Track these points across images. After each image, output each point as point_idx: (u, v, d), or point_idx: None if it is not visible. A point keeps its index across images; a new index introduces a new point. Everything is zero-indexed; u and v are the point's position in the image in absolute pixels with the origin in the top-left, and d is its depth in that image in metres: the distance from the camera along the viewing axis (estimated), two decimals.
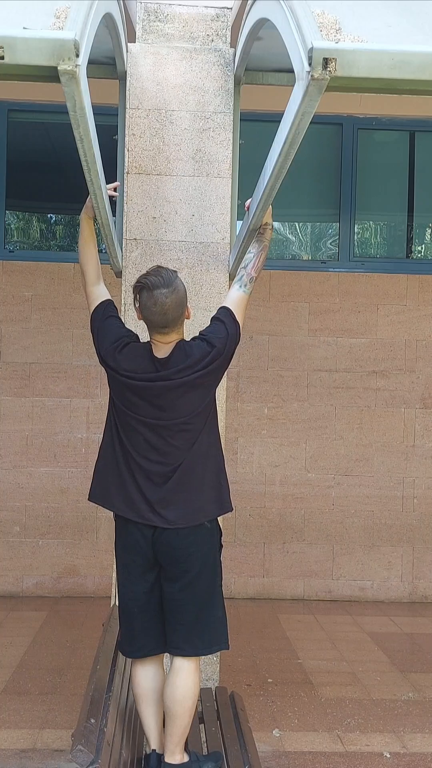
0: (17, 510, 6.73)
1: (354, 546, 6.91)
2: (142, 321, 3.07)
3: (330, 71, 2.09)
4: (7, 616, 6.17)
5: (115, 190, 3.57)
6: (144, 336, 3.14)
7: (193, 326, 3.35)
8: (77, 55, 2.08)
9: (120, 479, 3.07)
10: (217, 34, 4.22)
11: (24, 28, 2.11)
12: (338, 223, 7.10)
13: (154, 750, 3.07)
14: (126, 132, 4.18)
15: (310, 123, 2.38)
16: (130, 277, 4.06)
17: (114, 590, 3.48)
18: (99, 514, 6.59)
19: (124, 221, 4.16)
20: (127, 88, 4.18)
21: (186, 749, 3.11)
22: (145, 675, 3.10)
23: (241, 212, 3.72)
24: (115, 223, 3.92)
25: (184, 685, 3.01)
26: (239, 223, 3.94)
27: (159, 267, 3.06)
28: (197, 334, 3.15)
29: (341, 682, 5.01)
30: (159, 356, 3.04)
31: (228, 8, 4.26)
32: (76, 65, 2.08)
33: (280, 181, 2.83)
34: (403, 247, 7.41)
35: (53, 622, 6.06)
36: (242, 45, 3.87)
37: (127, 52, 4.12)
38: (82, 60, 2.14)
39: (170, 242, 4.17)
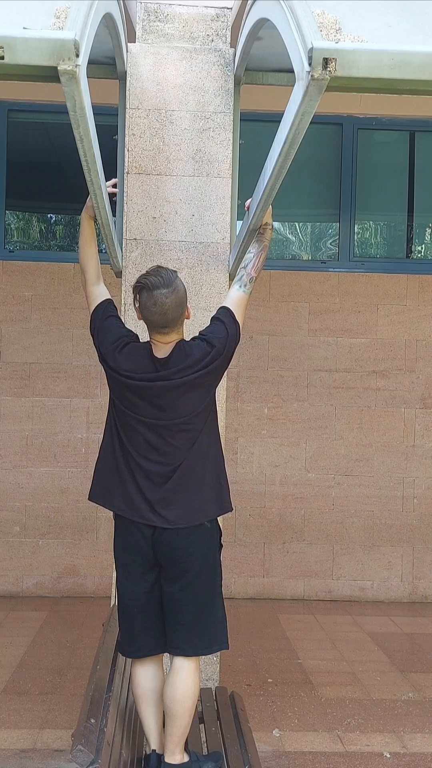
0: (17, 510, 6.73)
1: (354, 546, 6.91)
2: (142, 321, 3.07)
3: (330, 71, 2.09)
4: (7, 616, 6.17)
5: (114, 186, 3.56)
6: (144, 336, 3.14)
7: (193, 326, 3.35)
8: (77, 55, 2.08)
9: (120, 479, 3.07)
10: (217, 34, 4.22)
11: (24, 28, 2.11)
12: (338, 223, 7.10)
13: (154, 750, 3.07)
14: (126, 132, 4.18)
15: (310, 123, 2.37)
16: (130, 277, 4.06)
17: (114, 590, 3.48)
18: (99, 514, 6.59)
19: (124, 221, 4.16)
20: (127, 88, 4.18)
21: (186, 749, 3.11)
22: (144, 675, 3.10)
23: (241, 212, 3.71)
24: (115, 223, 3.92)
25: (184, 685, 3.01)
26: (239, 223, 3.94)
27: (159, 267, 3.06)
28: (197, 334, 3.15)
29: (341, 682, 5.01)
30: (159, 356, 3.04)
31: (228, 8, 4.26)
32: (76, 65, 2.08)
33: (280, 181, 2.83)
34: (403, 247, 7.41)
35: (53, 622, 6.06)
36: (242, 45, 3.87)
37: (127, 52, 4.12)
38: (82, 60, 2.14)
39: (170, 242, 4.17)
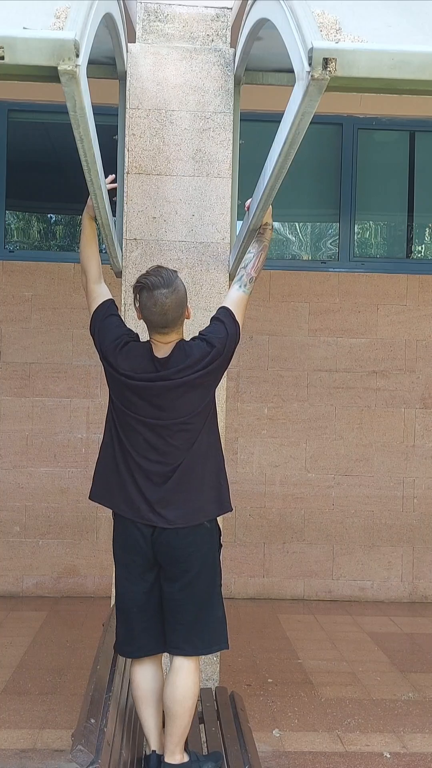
0: (17, 510, 6.73)
1: (354, 546, 6.91)
2: (142, 321, 3.07)
3: (330, 71, 2.09)
4: (7, 616, 6.17)
5: (112, 182, 3.54)
6: (144, 336, 3.14)
7: (193, 326, 3.35)
8: (77, 55, 2.08)
9: (120, 479, 3.07)
10: (217, 34, 4.22)
11: (24, 28, 2.11)
12: (338, 223, 7.10)
13: (154, 751, 3.07)
14: (126, 132, 4.18)
15: (310, 123, 2.38)
16: (130, 277, 4.06)
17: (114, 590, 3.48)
18: (99, 514, 6.59)
19: (124, 221, 4.16)
20: (127, 88, 4.18)
21: (186, 749, 3.11)
22: (144, 676, 3.10)
23: (241, 212, 3.72)
24: (115, 223, 3.92)
25: (184, 684, 3.01)
26: (239, 223, 3.94)
27: (159, 267, 3.06)
28: (197, 334, 3.15)
29: (341, 682, 5.01)
30: (159, 356, 3.04)
31: (228, 8, 4.26)
32: (76, 65, 2.08)
33: (280, 181, 2.83)
34: (403, 247, 7.41)
35: (53, 622, 6.06)
36: (242, 45, 3.87)
37: (127, 52, 4.12)
38: (82, 60, 2.14)
39: (170, 242, 4.17)
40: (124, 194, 4.16)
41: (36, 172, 7.13)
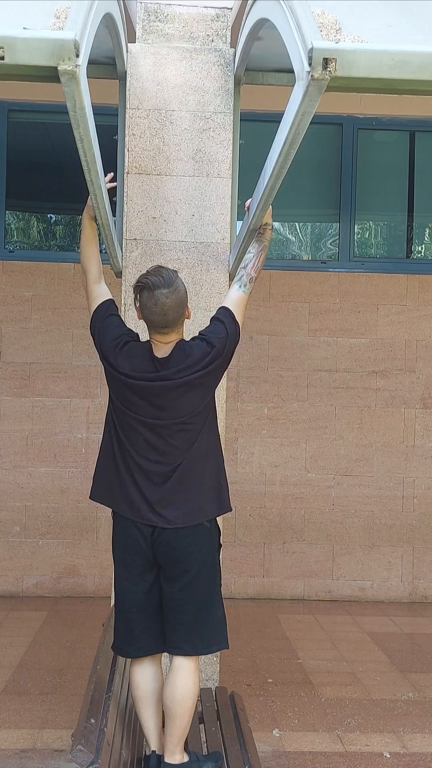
0: (17, 510, 6.73)
1: (354, 546, 6.91)
2: (142, 321, 3.07)
3: (330, 71, 2.09)
4: (7, 616, 6.18)
5: (111, 180, 3.53)
6: (144, 335, 3.14)
7: (193, 326, 3.35)
8: (77, 55, 2.08)
9: (119, 479, 3.07)
10: (217, 34, 4.22)
11: (24, 28, 2.11)
12: (338, 223, 7.10)
13: (154, 751, 3.07)
14: (126, 132, 4.18)
15: (310, 123, 2.38)
16: (130, 277, 4.06)
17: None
18: (99, 514, 6.59)
19: (124, 221, 4.16)
20: (127, 88, 4.18)
21: (186, 749, 3.11)
22: (143, 677, 3.10)
23: (241, 212, 3.72)
24: (115, 223, 3.92)
25: (183, 684, 3.01)
26: (239, 223, 3.94)
27: (160, 267, 3.06)
28: (197, 334, 3.15)
29: (341, 682, 5.01)
30: (159, 356, 3.04)
31: (228, 8, 4.26)
32: (76, 65, 2.08)
33: (280, 182, 2.83)
34: (403, 247, 7.41)
35: (53, 622, 6.06)
36: (242, 45, 3.87)
37: (127, 52, 4.12)
38: (82, 60, 2.14)
39: (170, 242, 4.17)
40: (124, 194, 4.16)
41: (36, 172, 7.13)
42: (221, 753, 3.20)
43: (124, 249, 4.15)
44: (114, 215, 3.91)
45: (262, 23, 3.19)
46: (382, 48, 2.17)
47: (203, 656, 3.40)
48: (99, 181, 2.92)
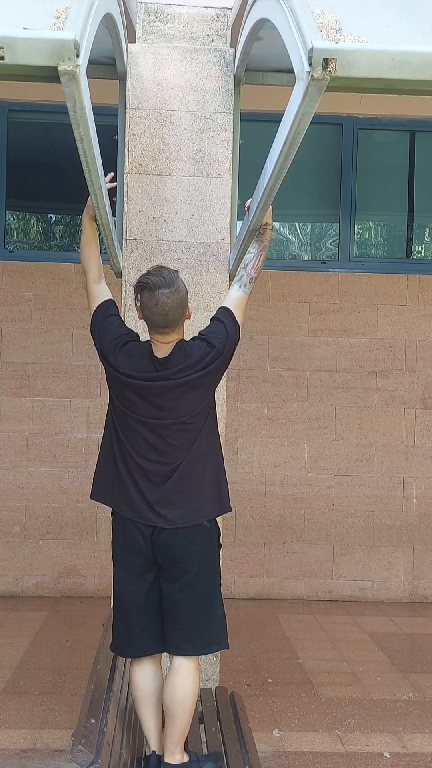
0: (17, 510, 6.73)
1: (354, 546, 6.91)
2: (142, 321, 3.07)
3: (330, 71, 2.09)
4: (7, 616, 6.18)
5: (111, 180, 3.53)
6: (144, 335, 3.14)
7: (193, 326, 3.35)
8: (77, 56, 2.08)
9: (119, 479, 3.07)
10: (217, 34, 4.22)
11: (24, 28, 2.11)
12: (338, 224, 7.10)
13: (154, 752, 3.07)
14: (126, 132, 4.18)
15: (310, 123, 2.38)
16: (131, 278, 4.06)
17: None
18: (99, 514, 6.59)
19: (124, 221, 4.16)
20: (127, 88, 4.18)
21: (186, 749, 3.11)
22: (143, 677, 3.10)
23: (241, 212, 3.72)
24: (115, 223, 3.92)
25: (183, 684, 3.01)
26: (239, 223, 3.94)
27: (161, 267, 3.06)
28: (197, 334, 3.15)
29: (341, 682, 5.01)
30: (159, 356, 3.04)
31: (228, 8, 4.26)
32: (76, 65, 2.08)
33: (280, 182, 2.83)
34: (403, 247, 7.41)
35: (53, 622, 6.06)
36: (242, 45, 3.87)
37: (127, 52, 4.12)
38: (82, 60, 2.14)
39: (170, 242, 4.17)
40: (124, 194, 4.16)
41: (36, 172, 7.13)
42: (221, 753, 3.20)
43: (124, 249, 4.15)
44: (114, 215, 3.91)
45: (262, 23, 3.19)
46: (382, 48, 2.17)
47: (203, 656, 3.40)
48: (99, 181, 2.92)
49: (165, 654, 3.15)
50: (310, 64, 2.10)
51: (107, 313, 3.19)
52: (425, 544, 6.93)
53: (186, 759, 3.06)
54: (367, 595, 6.90)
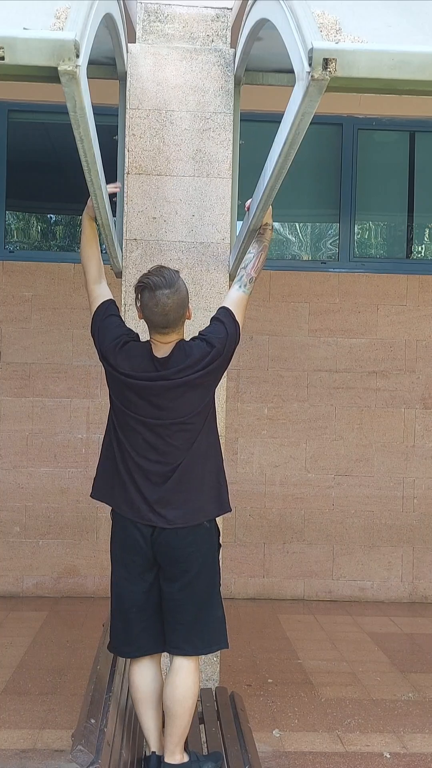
0: (17, 510, 6.73)
1: (354, 546, 6.91)
2: (142, 321, 3.08)
3: (330, 71, 2.10)
4: (7, 616, 6.17)
5: (115, 187, 3.53)
6: (144, 335, 3.14)
7: (193, 326, 3.35)
8: (77, 56, 2.08)
9: (120, 479, 3.07)
10: (217, 35, 4.22)
11: (24, 28, 2.11)
12: (338, 224, 7.10)
13: (154, 752, 3.07)
14: (126, 132, 4.18)
15: (310, 123, 2.38)
16: (131, 278, 4.06)
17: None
18: (99, 514, 6.59)
19: (124, 221, 4.16)
20: (127, 89, 4.18)
21: (186, 749, 3.11)
22: (143, 678, 3.10)
23: (241, 212, 3.72)
24: (115, 223, 3.92)
25: (183, 684, 3.01)
26: (239, 224, 3.94)
27: (161, 267, 3.06)
28: (197, 334, 3.15)
29: (341, 682, 5.01)
30: (159, 356, 3.04)
31: (228, 8, 4.26)
32: (76, 65, 2.08)
33: (280, 182, 2.83)
34: (403, 247, 7.41)
35: (53, 622, 6.06)
36: (242, 45, 3.87)
37: (127, 52, 4.12)
38: (82, 60, 2.14)
39: (170, 242, 4.17)
40: (124, 194, 4.16)
41: (36, 172, 7.13)
42: (221, 753, 3.20)
43: (124, 249, 4.15)
44: (114, 215, 3.91)
45: (262, 23, 3.19)
46: (382, 48, 2.17)
47: (203, 656, 3.40)
48: (99, 181, 2.92)
49: (165, 654, 3.16)
50: (310, 65, 2.10)
51: (107, 313, 3.19)
52: (425, 544, 6.93)
53: (186, 759, 3.06)
54: (367, 595, 6.90)
